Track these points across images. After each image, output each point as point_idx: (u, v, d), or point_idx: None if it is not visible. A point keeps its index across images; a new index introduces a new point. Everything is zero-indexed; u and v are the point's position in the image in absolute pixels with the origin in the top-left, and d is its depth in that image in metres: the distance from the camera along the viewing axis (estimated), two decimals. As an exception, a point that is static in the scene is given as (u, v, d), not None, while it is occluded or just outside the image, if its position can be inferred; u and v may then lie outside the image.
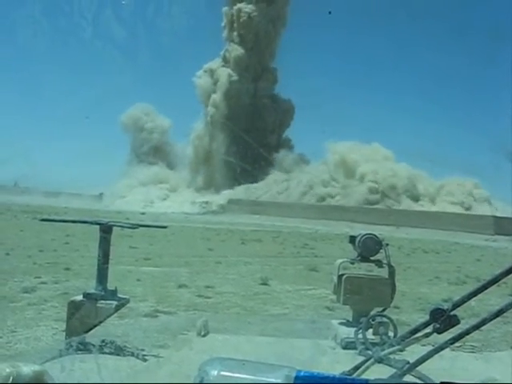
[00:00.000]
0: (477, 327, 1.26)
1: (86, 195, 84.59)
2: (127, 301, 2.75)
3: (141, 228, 3.34)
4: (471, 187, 74.01)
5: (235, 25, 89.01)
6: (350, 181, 77.08)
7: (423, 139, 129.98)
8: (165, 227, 4.33)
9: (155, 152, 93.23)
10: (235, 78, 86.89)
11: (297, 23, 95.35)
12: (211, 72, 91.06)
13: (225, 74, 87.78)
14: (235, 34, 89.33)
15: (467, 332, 1.26)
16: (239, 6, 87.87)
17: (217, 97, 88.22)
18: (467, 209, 69.49)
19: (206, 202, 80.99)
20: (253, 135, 76.78)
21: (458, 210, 68.37)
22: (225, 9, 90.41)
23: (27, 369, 0.98)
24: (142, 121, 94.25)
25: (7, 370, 0.95)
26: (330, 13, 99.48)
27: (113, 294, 2.74)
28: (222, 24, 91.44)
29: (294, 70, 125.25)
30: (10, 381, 0.93)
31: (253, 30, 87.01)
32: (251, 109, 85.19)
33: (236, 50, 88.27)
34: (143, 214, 55.69)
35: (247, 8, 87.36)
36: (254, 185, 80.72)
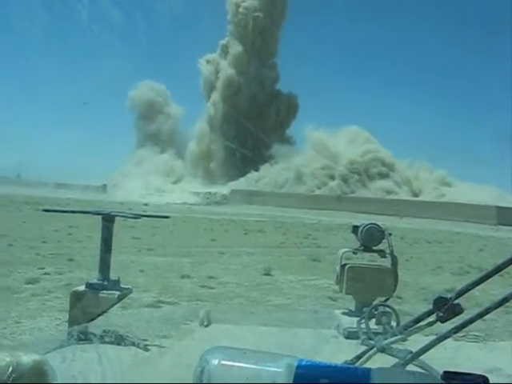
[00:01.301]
0: (480, 316, 1.26)
1: (89, 186, 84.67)
2: (130, 291, 2.75)
3: (143, 218, 3.33)
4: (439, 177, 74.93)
5: (235, 19, 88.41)
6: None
7: (421, 128, 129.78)
8: (167, 217, 4.32)
9: (167, 139, 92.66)
10: (235, 76, 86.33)
11: (295, 13, 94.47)
12: (214, 62, 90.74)
13: (224, 72, 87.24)
14: (235, 28, 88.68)
15: (470, 321, 1.26)
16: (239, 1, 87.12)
17: (216, 96, 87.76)
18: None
19: (210, 193, 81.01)
20: (252, 137, 76.93)
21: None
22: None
23: (27, 358, 0.98)
24: (158, 104, 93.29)
25: (7, 360, 0.94)
26: None
27: (115, 284, 2.73)
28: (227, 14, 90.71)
29: (294, 60, 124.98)
30: (10, 370, 0.92)
31: (253, 26, 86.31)
32: (251, 108, 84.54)
33: (236, 46, 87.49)
34: (146, 204, 55.72)
35: (246, 3, 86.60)
36: (255, 174, 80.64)
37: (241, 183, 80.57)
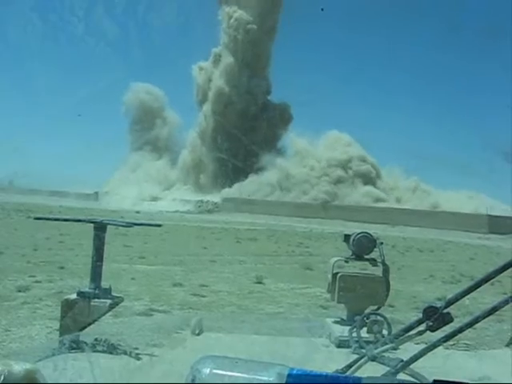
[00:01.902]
0: (470, 325, 1.27)
1: (81, 194, 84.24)
2: (121, 299, 2.75)
3: (135, 226, 3.33)
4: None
5: (228, 30, 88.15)
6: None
7: (414, 138, 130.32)
8: (159, 226, 4.33)
9: (162, 145, 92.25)
10: (226, 88, 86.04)
11: (289, 21, 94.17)
12: (206, 71, 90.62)
13: (216, 84, 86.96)
14: (228, 39, 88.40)
15: (460, 330, 1.27)
16: (230, 10, 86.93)
17: (208, 108, 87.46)
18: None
19: (201, 201, 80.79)
20: (243, 148, 76.95)
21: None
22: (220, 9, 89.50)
23: (19, 367, 0.97)
24: (155, 108, 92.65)
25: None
26: (322, 10, 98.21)
27: (107, 292, 2.73)
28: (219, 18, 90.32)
29: (287, 67, 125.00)
30: (1, 380, 0.92)
31: (245, 38, 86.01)
32: (242, 120, 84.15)
33: (228, 57, 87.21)
34: (138, 212, 55.55)
35: (238, 13, 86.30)
36: (247, 182, 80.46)
37: (232, 191, 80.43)
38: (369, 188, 75.06)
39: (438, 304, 1.28)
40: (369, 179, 76.53)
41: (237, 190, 79.85)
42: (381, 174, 78.55)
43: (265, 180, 79.82)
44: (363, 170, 76.93)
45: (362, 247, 3.25)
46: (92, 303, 2.59)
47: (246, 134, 76.58)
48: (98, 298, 2.62)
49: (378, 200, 73.04)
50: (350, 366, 1.40)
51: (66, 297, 2.70)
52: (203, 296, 12.07)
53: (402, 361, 1.32)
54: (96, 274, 2.77)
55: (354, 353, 1.77)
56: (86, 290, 2.67)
